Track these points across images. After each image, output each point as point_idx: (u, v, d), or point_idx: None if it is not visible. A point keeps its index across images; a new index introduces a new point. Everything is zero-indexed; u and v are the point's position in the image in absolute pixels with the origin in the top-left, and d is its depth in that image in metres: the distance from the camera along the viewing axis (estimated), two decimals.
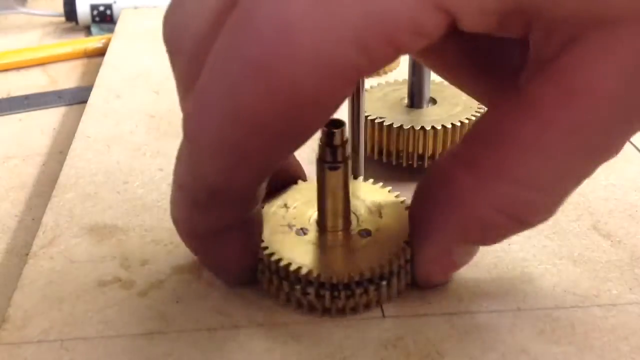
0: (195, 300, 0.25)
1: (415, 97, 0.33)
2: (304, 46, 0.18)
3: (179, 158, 0.22)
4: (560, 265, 0.27)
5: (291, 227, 0.26)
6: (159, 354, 0.23)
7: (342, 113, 0.23)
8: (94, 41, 0.51)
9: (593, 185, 0.32)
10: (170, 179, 0.33)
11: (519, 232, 0.23)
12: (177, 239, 0.28)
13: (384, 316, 0.25)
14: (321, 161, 0.24)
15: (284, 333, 0.24)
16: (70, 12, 0.55)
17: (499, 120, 0.21)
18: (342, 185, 0.25)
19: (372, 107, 0.33)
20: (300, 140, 0.20)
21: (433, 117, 0.32)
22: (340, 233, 0.25)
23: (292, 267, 0.24)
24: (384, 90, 0.35)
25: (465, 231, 0.23)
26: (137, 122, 0.38)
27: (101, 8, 0.55)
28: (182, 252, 0.28)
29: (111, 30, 0.52)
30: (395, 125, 0.32)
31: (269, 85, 0.18)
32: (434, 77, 0.34)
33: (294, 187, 0.28)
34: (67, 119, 0.41)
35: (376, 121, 0.32)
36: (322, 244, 0.25)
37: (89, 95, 0.41)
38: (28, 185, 0.35)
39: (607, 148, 0.21)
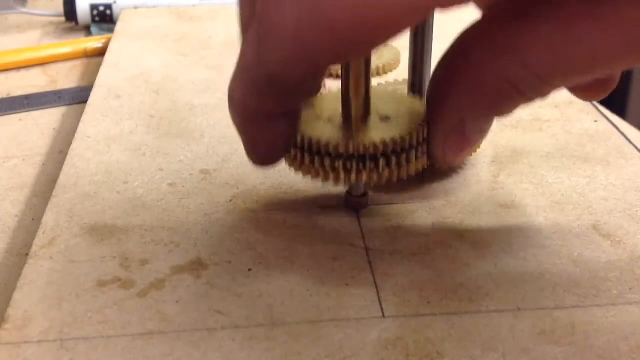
0: (195, 300, 0.25)
1: None
2: None
3: (246, 39, 0.24)
4: (560, 265, 0.27)
5: (319, 116, 0.28)
6: (158, 354, 0.23)
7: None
8: (94, 41, 0.51)
9: (593, 185, 0.32)
10: (170, 179, 0.33)
11: (523, 103, 0.25)
12: (177, 238, 0.29)
13: (384, 316, 0.25)
14: None
15: (284, 333, 0.24)
16: (70, 12, 0.55)
17: (526, 9, 0.23)
18: (362, 74, 0.27)
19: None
20: (365, 51, 0.24)
21: None
22: (357, 119, 0.28)
23: (313, 140, 0.26)
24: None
25: (476, 98, 0.25)
26: (137, 122, 0.38)
27: (101, 8, 0.55)
28: (182, 252, 0.28)
29: (111, 30, 0.52)
30: None
31: (356, 1, 0.20)
32: None
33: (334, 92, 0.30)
34: (67, 119, 0.41)
35: None
36: (343, 125, 0.27)
37: (89, 95, 0.41)
38: (28, 185, 0.35)
39: (613, 69, 0.24)
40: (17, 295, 0.26)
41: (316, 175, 0.27)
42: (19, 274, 0.27)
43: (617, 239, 0.28)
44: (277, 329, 0.24)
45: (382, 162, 0.26)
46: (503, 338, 0.24)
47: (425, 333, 0.24)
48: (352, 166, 0.26)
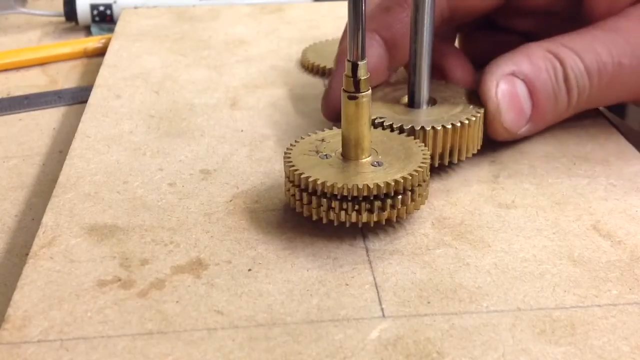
0: (195, 300, 0.25)
1: (415, 97, 0.33)
2: None
3: None
4: (560, 265, 0.27)
5: (317, 152, 0.29)
6: (158, 354, 0.23)
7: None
8: (94, 41, 0.51)
9: (593, 185, 0.32)
10: (170, 179, 0.33)
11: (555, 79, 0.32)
12: (177, 238, 0.29)
13: (384, 316, 0.25)
14: (344, 91, 0.28)
15: (284, 333, 0.24)
16: (70, 12, 0.55)
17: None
18: (360, 116, 0.28)
19: (372, 107, 0.33)
20: None
21: (433, 117, 0.32)
22: (355, 161, 0.29)
23: (302, 176, 0.28)
24: (384, 90, 0.35)
25: (528, 59, 0.33)
26: (137, 122, 0.38)
27: (101, 8, 0.55)
28: (182, 252, 0.28)
29: (111, 30, 0.52)
30: (395, 125, 0.32)
31: None
32: (434, 77, 0.34)
33: (339, 130, 0.30)
34: (67, 119, 0.41)
35: (376, 121, 0.32)
36: (336, 166, 0.29)
37: (89, 95, 0.41)
38: (28, 185, 0.35)
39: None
40: (17, 295, 0.26)
41: (317, 215, 0.28)
42: (19, 274, 0.27)
43: (617, 239, 0.28)
44: (277, 329, 0.24)
45: (376, 203, 0.27)
46: (503, 338, 0.24)
47: (425, 333, 0.24)
48: (347, 207, 0.27)
